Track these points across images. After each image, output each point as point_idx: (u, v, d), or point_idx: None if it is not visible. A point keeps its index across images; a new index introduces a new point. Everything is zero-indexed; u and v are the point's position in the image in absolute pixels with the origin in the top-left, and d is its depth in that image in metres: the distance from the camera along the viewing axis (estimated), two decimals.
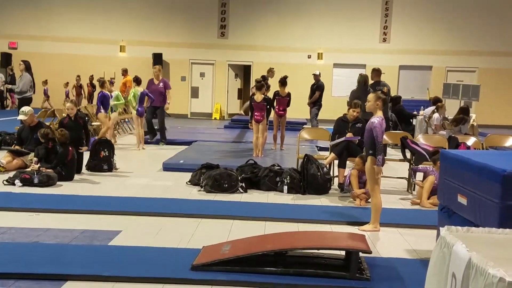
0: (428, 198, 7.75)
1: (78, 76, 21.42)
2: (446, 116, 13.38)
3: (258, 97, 11.12)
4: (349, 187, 8.00)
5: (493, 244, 2.77)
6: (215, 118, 22.71)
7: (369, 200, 7.70)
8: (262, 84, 11.34)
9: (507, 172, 3.95)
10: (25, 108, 9.82)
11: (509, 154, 5.78)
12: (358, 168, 7.81)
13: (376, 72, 11.65)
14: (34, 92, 13.63)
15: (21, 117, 9.71)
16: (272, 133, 12.48)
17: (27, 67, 12.64)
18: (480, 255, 2.46)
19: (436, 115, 13.24)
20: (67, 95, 20.63)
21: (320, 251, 5.09)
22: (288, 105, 12.22)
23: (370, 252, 4.82)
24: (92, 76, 15.62)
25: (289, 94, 12.10)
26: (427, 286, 3.02)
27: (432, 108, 14.22)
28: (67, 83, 21.44)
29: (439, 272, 2.80)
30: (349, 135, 8.69)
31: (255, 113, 11.11)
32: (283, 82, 12.08)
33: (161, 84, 13.05)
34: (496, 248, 2.70)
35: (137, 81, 12.40)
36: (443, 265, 2.76)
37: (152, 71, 13.31)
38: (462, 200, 4.61)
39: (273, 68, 15.24)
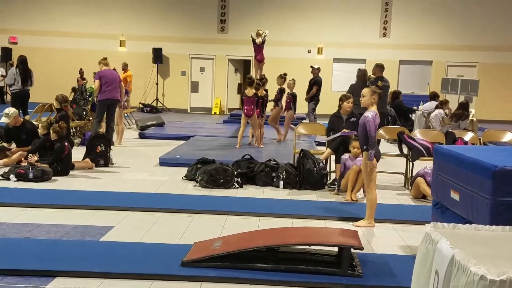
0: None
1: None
2: (446, 111, 13.32)
3: (249, 91, 11.36)
4: (339, 181, 7.99)
5: (478, 241, 2.73)
6: (214, 113, 22.68)
7: (360, 194, 7.72)
8: (253, 80, 11.55)
9: (498, 168, 3.91)
10: (8, 110, 9.35)
11: (502, 150, 5.72)
12: (356, 152, 7.73)
13: (380, 67, 11.56)
14: (25, 86, 13.09)
15: (4, 119, 9.28)
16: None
17: (16, 62, 12.64)
18: (463, 252, 2.43)
19: (439, 110, 13.09)
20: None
21: (312, 247, 5.06)
22: (258, 105, 11.69)
23: (362, 249, 4.78)
24: (81, 69, 15.30)
25: (256, 95, 11.46)
26: (413, 283, 2.99)
27: (430, 103, 14.16)
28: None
29: (423, 269, 2.77)
30: (344, 130, 8.65)
31: (245, 107, 11.35)
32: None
33: None
34: (481, 245, 2.66)
35: None
36: (427, 262, 2.72)
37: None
38: (455, 196, 4.58)
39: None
